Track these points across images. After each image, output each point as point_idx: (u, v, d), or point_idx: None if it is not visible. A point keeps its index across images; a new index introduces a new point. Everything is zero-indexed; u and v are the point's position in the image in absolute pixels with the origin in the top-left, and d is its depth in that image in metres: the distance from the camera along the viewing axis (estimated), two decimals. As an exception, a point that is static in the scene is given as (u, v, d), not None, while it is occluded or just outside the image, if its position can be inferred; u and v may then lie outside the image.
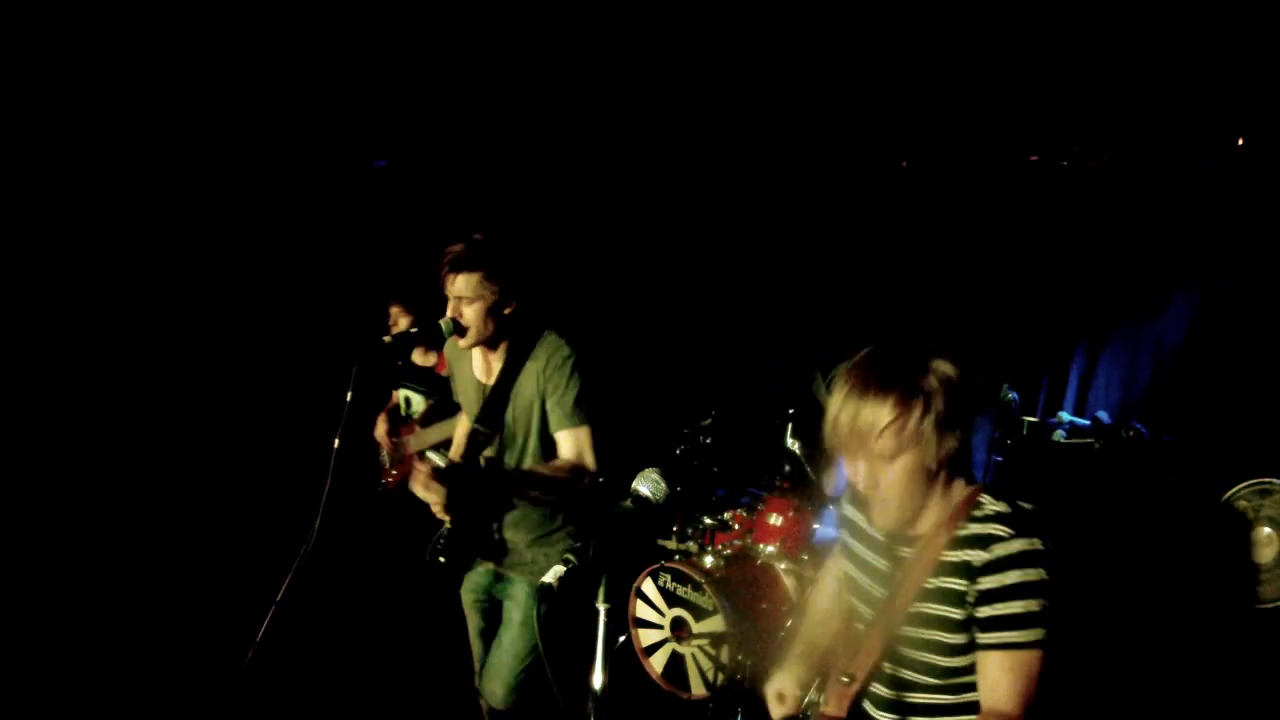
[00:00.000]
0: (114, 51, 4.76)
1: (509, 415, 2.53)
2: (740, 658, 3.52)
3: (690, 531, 4.17)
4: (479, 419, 2.58)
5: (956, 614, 1.51)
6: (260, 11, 4.64)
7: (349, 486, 3.71)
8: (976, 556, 1.46)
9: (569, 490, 2.45)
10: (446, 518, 2.47)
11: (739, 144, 5.58)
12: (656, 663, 3.77)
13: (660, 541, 4.11)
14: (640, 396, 4.95)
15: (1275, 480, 3.45)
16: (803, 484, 4.21)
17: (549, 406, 2.46)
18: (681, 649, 3.68)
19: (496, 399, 2.52)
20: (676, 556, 3.81)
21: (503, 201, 5.87)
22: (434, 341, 2.55)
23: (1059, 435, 4.89)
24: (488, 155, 5.95)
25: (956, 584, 1.50)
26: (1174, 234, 4.95)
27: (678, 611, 3.71)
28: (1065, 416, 5.13)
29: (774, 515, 4.12)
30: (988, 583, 1.45)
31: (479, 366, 2.64)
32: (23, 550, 4.32)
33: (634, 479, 1.88)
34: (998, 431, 5.54)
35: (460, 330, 2.45)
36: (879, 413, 1.44)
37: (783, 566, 3.98)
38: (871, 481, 1.52)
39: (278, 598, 2.04)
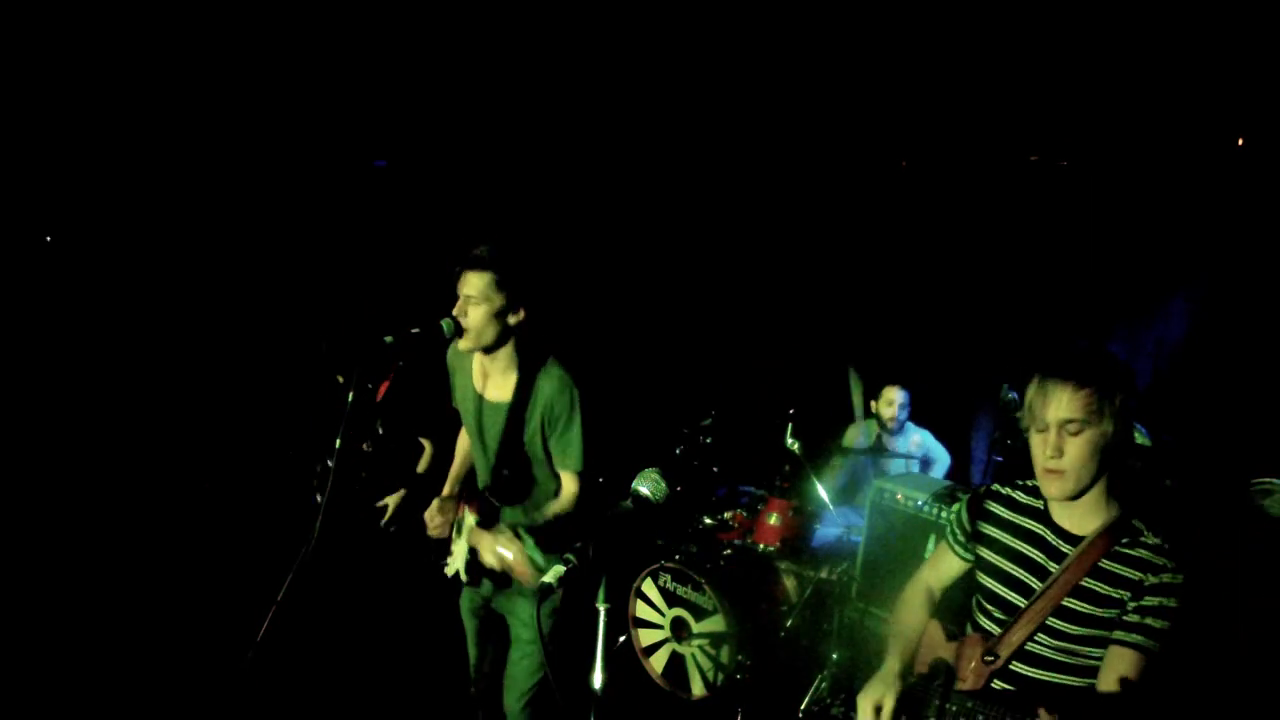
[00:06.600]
0: (113, 51, 4.76)
1: (527, 445, 2.57)
2: (740, 658, 3.52)
3: (690, 531, 4.18)
4: (499, 455, 2.60)
5: (1105, 614, 1.79)
6: (261, 11, 4.64)
7: (350, 488, 3.72)
8: (1145, 579, 1.76)
9: (572, 514, 2.58)
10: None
11: (738, 144, 5.58)
12: (656, 663, 3.77)
13: (660, 541, 4.11)
14: (640, 396, 4.95)
15: (1275, 480, 3.44)
16: (803, 484, 4.22)
17: (551, 443, 2.54)
18: (681, 649, 3.69)
19: (513, 429, 2.55)
20: (676, 556, 3.82)
21: (502, 200, 5.87)
22: (434, 343, 2.54)
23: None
24: (488, 155, 5.96)
25: (1113, 593, 1.78)
26: (1174, 234, 4.94)
27: (678, 611, 3.72)
28: (1066, 416, 5.12)
29: (774, 515, 4.12)
30: (1150, 601, 1.76)
31: (477, 376, 2.64)
32: (24, 550, 4.32)
33: (634, 479, 1.89)
34: (998, 432, 5.54)
35: (460, 332, 2.45)
36: (1068, 390, 1.77)
37: (783, 566, 3.98)
38: (1057, 450, 1.77)
39: (278, 597, 2.04)
